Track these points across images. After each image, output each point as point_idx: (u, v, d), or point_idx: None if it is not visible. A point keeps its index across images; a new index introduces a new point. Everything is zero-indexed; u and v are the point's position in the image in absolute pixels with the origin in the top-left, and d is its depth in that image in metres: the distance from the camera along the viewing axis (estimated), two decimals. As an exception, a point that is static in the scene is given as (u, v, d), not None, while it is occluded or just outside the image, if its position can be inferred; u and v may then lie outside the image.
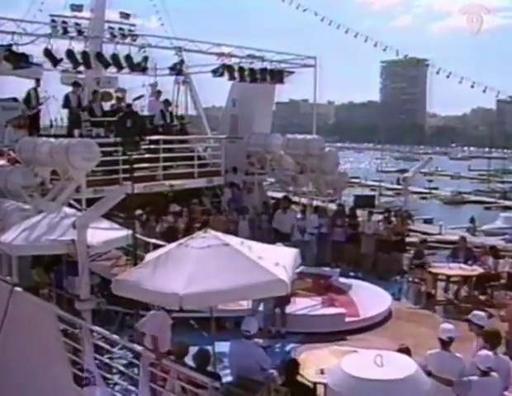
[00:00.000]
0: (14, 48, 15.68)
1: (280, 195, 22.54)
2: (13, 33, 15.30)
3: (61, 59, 17.32)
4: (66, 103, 19.13)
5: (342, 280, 16.47)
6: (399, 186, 71.41)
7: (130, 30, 21.40)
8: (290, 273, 8.69)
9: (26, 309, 10.33)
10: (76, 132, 18.09)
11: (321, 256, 18.47)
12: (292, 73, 22.59)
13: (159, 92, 22.35)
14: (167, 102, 21.92)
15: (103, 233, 10.77)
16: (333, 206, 21.24)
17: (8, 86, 19.65)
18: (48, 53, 16.85)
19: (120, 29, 21.35)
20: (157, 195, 18.44)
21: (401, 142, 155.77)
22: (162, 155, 18.91)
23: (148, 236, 14.85)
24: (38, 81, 18.79)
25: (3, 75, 18.71)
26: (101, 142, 15.86)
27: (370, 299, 15.16)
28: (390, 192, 60.35)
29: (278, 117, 23.31)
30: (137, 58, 18.86)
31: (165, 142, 19.30)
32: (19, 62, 15.54)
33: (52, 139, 15.05)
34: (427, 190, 70.07)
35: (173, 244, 9.37)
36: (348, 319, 13.94)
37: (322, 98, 40.36)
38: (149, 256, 9.65)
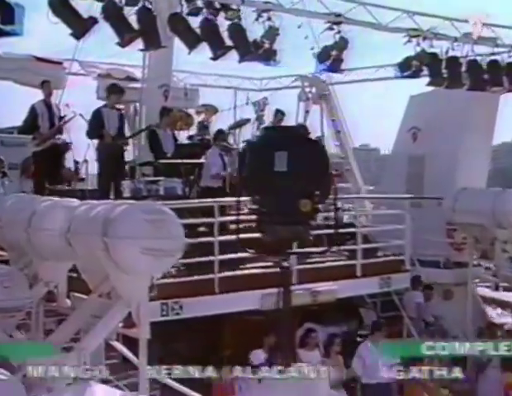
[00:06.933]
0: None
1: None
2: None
3: (94, 21, 11.88)
4: (94, 127, 12.98)
5: None
6: None
7: None
8: None
9: None
10: (126, 186, 11.92)
11: None
12: None
13: (282, 114, 16.45)
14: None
15: None
16: None
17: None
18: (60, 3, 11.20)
19: None
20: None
21: None
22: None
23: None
24: (45, 84, 14.01)
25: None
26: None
27: None
28: None
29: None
30: (256, 33, 13.37)
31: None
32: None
33: (72, 201, 8.06)
34: None
35: None
36: None
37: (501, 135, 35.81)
38: None
